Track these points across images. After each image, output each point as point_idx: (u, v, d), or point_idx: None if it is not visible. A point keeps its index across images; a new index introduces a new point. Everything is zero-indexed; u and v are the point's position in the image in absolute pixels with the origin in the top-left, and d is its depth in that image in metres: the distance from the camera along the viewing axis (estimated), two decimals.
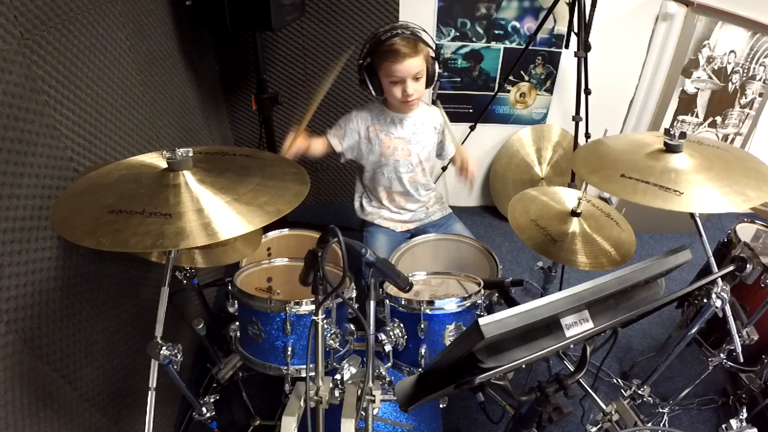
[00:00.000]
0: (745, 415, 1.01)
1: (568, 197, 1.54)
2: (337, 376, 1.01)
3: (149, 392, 0.90)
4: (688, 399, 1.72)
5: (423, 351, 1.23)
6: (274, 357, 1.24)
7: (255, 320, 1.23)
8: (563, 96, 2.66)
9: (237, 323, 1.29)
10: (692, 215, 1.21)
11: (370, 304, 1.07)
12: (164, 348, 0.92)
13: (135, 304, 1.38)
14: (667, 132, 1.12)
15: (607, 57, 2.45)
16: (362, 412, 0.96)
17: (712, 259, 1.23)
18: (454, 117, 2.64)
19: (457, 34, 2.44)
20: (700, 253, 1.22)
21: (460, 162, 1.72)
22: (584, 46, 2.15)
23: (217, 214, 0.87)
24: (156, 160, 1.03)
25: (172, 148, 0.94)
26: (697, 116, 2.55)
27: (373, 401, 0.96)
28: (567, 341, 0.73)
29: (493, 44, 2.48)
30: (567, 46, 2.45)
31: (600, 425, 1.27)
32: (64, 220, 0.86)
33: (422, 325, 1.20)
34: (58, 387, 1.04)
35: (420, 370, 1.24)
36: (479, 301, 1.24)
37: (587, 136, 2.41)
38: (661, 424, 1.63)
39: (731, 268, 1.27)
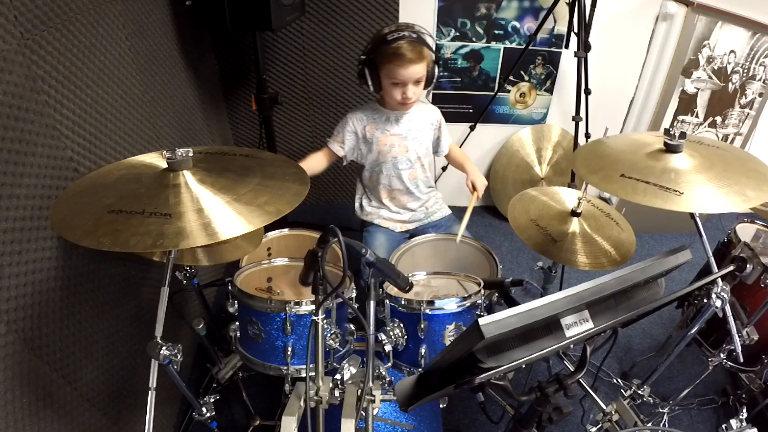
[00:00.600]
0: (745, 415, 1.01)
1: (568, 197, 1.54)
2: (337, 376, 1.01)
3: (149, 392, 0.90)
4: (688, 399, 1.72)
5: (423, 351, 1.23)
6: (274, 357, 1.24)
7: (255, 320, 1.23)
8: (563, 96, 2.66)
9: (237, 323, 1.29)
10: (692, 215, 1.21)
11: (370, 304, 1.07)
12: (164, 348, 0.92)
13: (135, 304, 1.38)
14: (667, 132, 1.12)
15: (607, 57, 2.45)
16: (362, 412, 0.96)
17: (712, 259, 1.23)
18: (454, 117, 2.64)
19: (457, 34, 2.44)
20: (700, 253, 1.22)
21: (471, 185, 1.70)
22: (584, 46, 2.15)
23: (217, 214, 0.87)
24: (156, 160, 1.03)
25: (172, 148, 0.94)
26: (697, 116, 2.55)
27: (373, 401, 0.96)
28: (567, 341, 0.73)
29: (493, 44, 2.48)
30: (567, 46, 2.45)
31: (600, 425, 1.27)
32: (64, 220, 0.86)
33: (422, 325, 1.20)
34: (58, 387, 1.04)
35: (420, 370, 1.24)
36: (479, 301, 1.24)
37: (587, 136, 2.41)
38: (661, 424, 1.63)
39: (731, 268, 1.27)
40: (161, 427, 1.59)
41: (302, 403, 0.98)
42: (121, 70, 1.36)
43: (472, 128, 2.64)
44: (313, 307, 1.19)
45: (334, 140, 1.69)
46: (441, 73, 2.25)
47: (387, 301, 1.25)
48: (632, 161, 1.13)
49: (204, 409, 1.22)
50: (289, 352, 1.21)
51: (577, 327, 0.74)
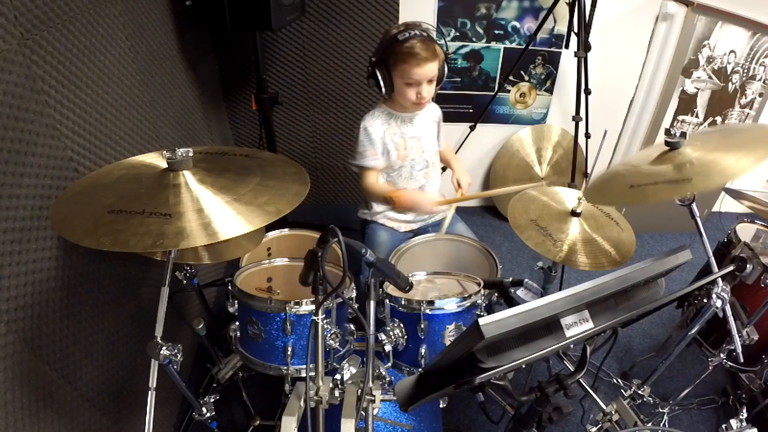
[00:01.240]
0: (745, 415, 1.01)
1: (568, 197, 1.54)
2: (337, 376, 1.01)
3: (149, 392, 0.90)
4: (688, 399, 1.72)
5: (423, 351, 1.23)
6: (274, 357, 1.24)
7: (255, 320, 1.23)
8: (563, 96, 2.66)
9: (237, 323, 1.29)
10: (692, 215, 1.21)
11: (370, 304, 1.07)
12: (164, 348, 0.92)
13: (135, 304, 1.38)
14: (667, 132, 1.12)
15: (607, 57, 2.45)
16: (362, 412, 0.96)
17: (712, 259, 1.23)
18: (454, 117, 2.64)
19: (457, 34, 2.44)
20: (700, 253, 1.22)
21: (456, 182, 1.76)
22: (584, 46, 2.15)
23: (217, 214, 0.87)
24: (156, 160, 1.03)
25: (172, 148, 0.94)
26: (697, 116, 2.55)
27: (373, 401, 0.96)
28: (567, 341, 0.73)
29: (493, 44, 2.48)
30: (567, 46, 2.45)
31: (600, 425, 1.27)
32: (64, 220, 0.86)
33: (422, 325, 1.20)
34: (58, 387, 1.04)
35: (420, 370, 1.24)
36: (479, 301, 1.24)
37: (587, 136, 2.41)
38: (661, 424, 1.63)
39: (731, 268, 1.27)
40: (161, 427, 1.59)
41: (302, 403, 0.98)
42: (121, 70, 1.36)
43: (472, 128, 2.64)
44: (313, 307, 1.19)
45: (367, 157, 1.63)
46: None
47: (387, 301, 1.25)
48: (639, 172, 1.13)
49: (204, 409, 1.22)
50: (289, 352, 1.21)
51: (577, 327, 0.74)
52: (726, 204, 2.86)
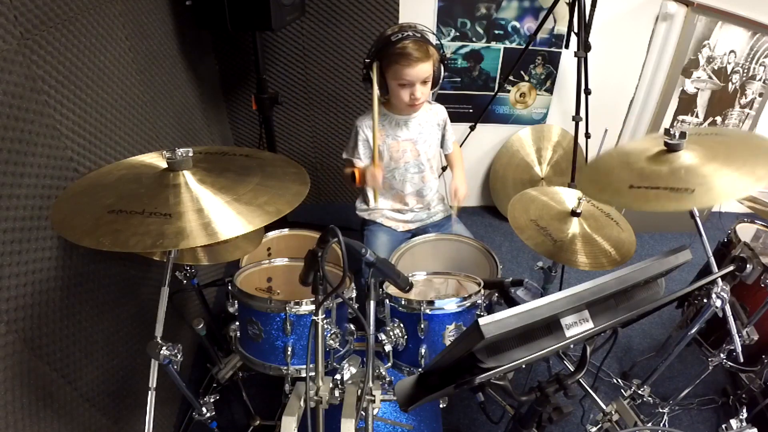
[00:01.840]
0: (745, 415, 1.01)
1: (568, 197, 1.54)
2: (337, 376, 1.01)
3: (149, 392, 0.90)
4: (688, 399, 1.72)
5: (423, 351, 1.23)
6: (274, 357, 1.24)
7: (255, 320, 1.23)
8: (563, 96, 2.66)
9: (237, 323, 1.29)
10: (692, 215, 1.21)
11: (370, 304, 1.07)
12: (164, 348, 0.92)
13: (135, 304, 1.38)
14: (667, 132, 1.12)
15: (607, 57, 2.45)
16: (362, 412, 0.96)
17: (712, 259, 1.23)
18: (454, 117, 2.63)
19: (457, 34, 2.44)
20: (700, 253, 1.22)
21: (454, 192, 1.74)
22: (584, 46, 2.15)
23: (217, 214, 0.87)
24: (156, 160, 1.03)
25: (172, 148, 0.94)
26: (697, 116, 2.55)
27: (373, 401, 0.96)
28: (567, 341, 0.73)
29: (493, 44, 2.48)
30: (567, 46, 2.45)
31: (600, 425, 1.27)
32: (64, 220, 0.86)
33: (422, 325, 1.20)
34: (58, 387, 1.04)
35: (420, 370, 1.24)
36: (479, 301, 1.24)
37: (587, 136, 2.41)
38: (661, 424, 1.63)
39: (731, 268, 1.27)
40: (161, 427, 1.59)
41: (302, 403, 0.98)
42: (121, 70, 1.36)
43: (472, 128, 2.64)
44: (313, 307, 1.19)
45: (352, 154, 1.67)
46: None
47: (387, 301, 1.25)
48: (637, 169, 1.10)
49: (204, 409, 1.22)
50: (289, 352, 1.21)
51: (577, 327, 0.74)
52: (726, 204, 2.86)
